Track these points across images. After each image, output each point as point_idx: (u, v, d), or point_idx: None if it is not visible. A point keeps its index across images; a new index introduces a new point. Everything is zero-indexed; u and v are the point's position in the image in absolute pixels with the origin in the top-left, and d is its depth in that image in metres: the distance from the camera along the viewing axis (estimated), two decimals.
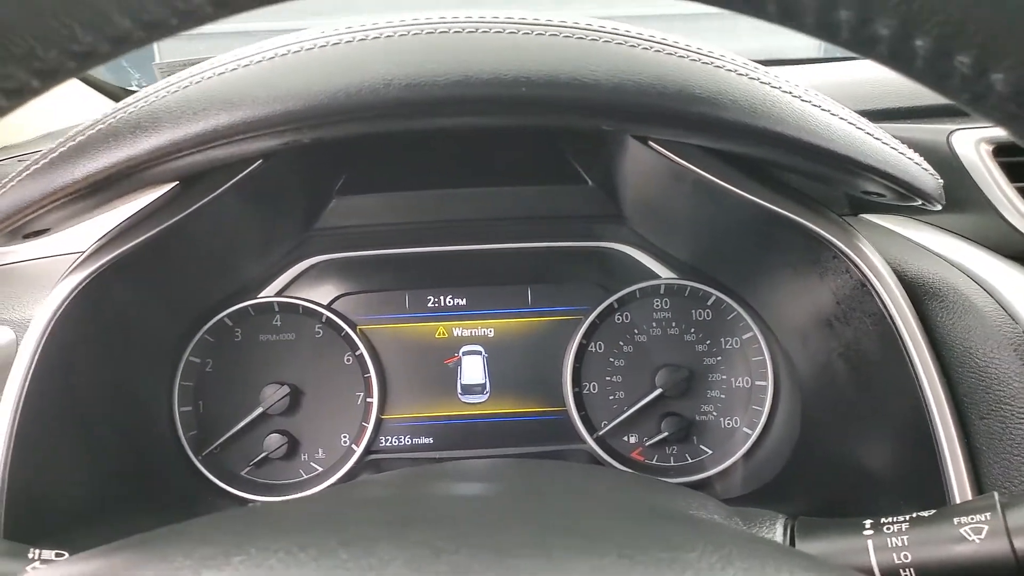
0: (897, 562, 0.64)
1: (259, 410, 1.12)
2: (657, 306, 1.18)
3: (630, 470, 1.15)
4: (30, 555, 0.66)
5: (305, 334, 1.16)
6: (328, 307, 1.16)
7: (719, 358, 1.17)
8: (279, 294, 1.17)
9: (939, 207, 0.80)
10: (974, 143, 0.94)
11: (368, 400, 1.16)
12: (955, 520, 0.64)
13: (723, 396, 1.17)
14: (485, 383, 1.18)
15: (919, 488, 0.83)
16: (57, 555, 0.67)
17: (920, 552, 0.64)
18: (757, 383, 1.16)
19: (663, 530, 0.46)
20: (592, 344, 1.17)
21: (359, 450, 1.15)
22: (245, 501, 1.13)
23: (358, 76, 0.64)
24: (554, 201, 1.17)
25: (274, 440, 1.13)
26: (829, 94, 0.77)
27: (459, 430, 1.17)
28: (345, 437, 1.16)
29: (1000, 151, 0.93)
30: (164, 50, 1.75)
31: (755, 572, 0.41)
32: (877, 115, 1.05)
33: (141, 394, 1.08)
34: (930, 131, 0.99)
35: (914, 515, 0.66)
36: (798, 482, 1.04)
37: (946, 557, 0.63)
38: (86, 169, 0.68)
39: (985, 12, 0.33)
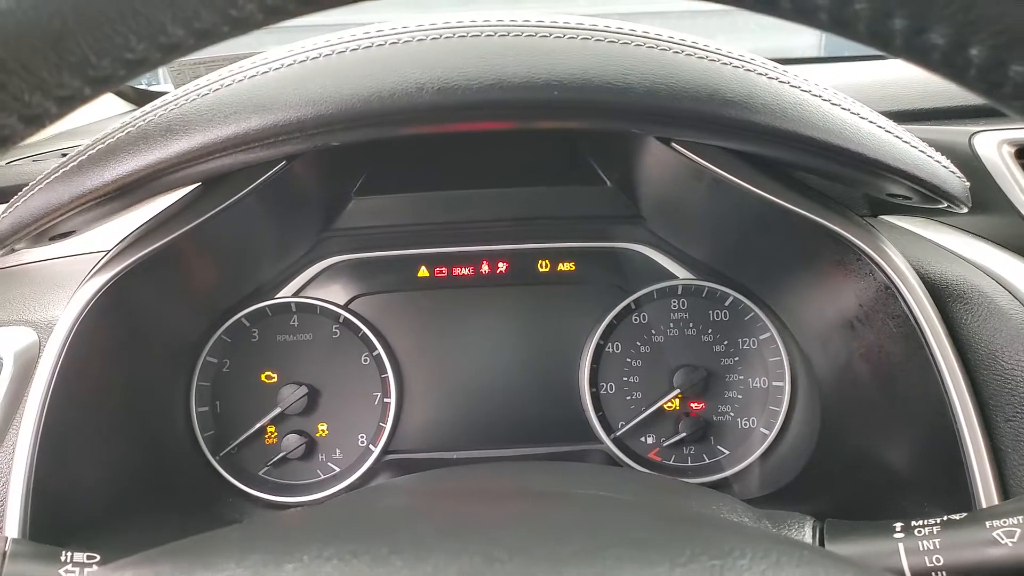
0: (929, 565, 0.64)
1: (277, 410, 1.12)
2: (674, 306, 1.18)
3: (648, 470, 1.15)
4: (62, 558, 0.66)
5: (322, 334, 1.16)
6: (345, 307, 1.16)
7: (736, 358, 1.17)
8: (296, 294, 1.17)
9: (965, 209, 0.80)
10: (996, 144, 0.94)
11: (386, 400, 1.16)
12: (987, 523, 0.64)
13: (740, 396, 1.17)
14: (503, 384, 1.18)
15: (943, 490, 0.83)
16: (89, 557, 0.67)
17: (952, 555, 0.64)
18: (774, 383, 1.16)
19: (708, 536, 0.46)
20: (609, 345, 1.18)
21: (377, 450, 1.15)
22: (263, 501, 1.13)
23: (390, 80, 0.64)
24: (572, 201, 1.17)
25: (292, 440, 1.13)
26: (857, 95, 0.77)
27: (477, 430, 1.17)
28: (363, 437, 1.16)
29: (1022, 153, 0.93)
30: None
31: None
32: (899, 116, 1.05)
33: (159, 394, 1.08)
34: (952, 132, 0.99)
35: (945, 518, 0.66)
36: (818, 483, 1.04)
37: (978, 560, 0.63)
38: (116, 172, 0.68)
39: None
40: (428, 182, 1.15)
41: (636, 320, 1.18)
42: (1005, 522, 0.64)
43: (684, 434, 1.15)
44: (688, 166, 0.83)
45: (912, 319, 0.83)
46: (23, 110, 0.38)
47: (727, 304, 1.17)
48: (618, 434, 1.16)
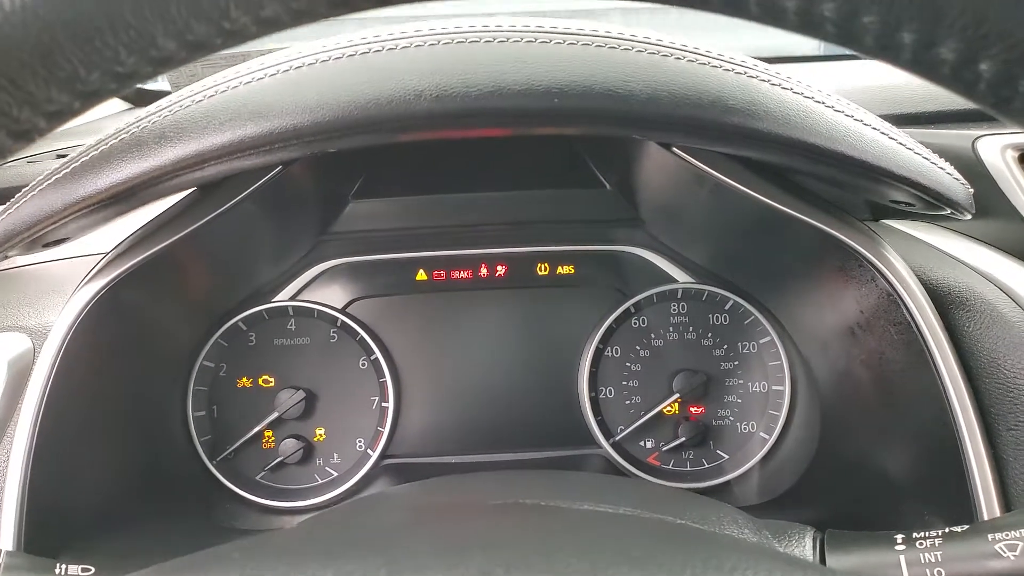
0: None
1: (274, 415, 1.12)
2: (674, 310, 1.17)
3: (647, 475, 1.15)
4: (57, 570, 0.65)
5: (320, 338, 1.16)
6: (343, 311, 1.15)
7: (736, 363, 1.17)
8: (293, 298, 1.16)
9: (969, 216, 0.80)
10: (1000, 149, 0.93)
11: (384, 405, 1.15)
12: (989, 536, 0.63)
13: (740, 401, 1.16)
14: (501, 388, 1.17)
15: (943, 499, 0.82)
16: (83, 570, 0.66)
17: (954, 568, 0.64)
18: (774, 388, 1.15)
19: (708, 554, 0.45)
20: (609, 349, 1.17)
21: (375, 455, 1.14)
22: (260, 506, 1.13)
23: (388, 87, 0.63)
24: (571, 205, 1.16)
25: (289, 445, 1.12)
26: (852, 98, 0.76)
27: (475, 435, 1.17)
28: (361, 442, 1.15)
29: None
30: None
31: None
32: (901, 119, 1.04)
33: (155, 399, 1.07)
34: (955, 136, 0.98)
35: (947, 530, 0.66)
36: (818, 489, 1.04)
37: (980, 573, 0.63)
38: (110, 179, 0.67)
39: None
40: (426, 185, 1.14)
41: (635, 324, 1.17)
42: (1008, 535, 0.63)
43: (683, 438, 1.14)
44: (688, 170, 0.82)
45: (914, 326, 0.82)
46: (12, 125, 0.37)
47: (727, 308, 1.16)
48: (617, 438, 1.16)
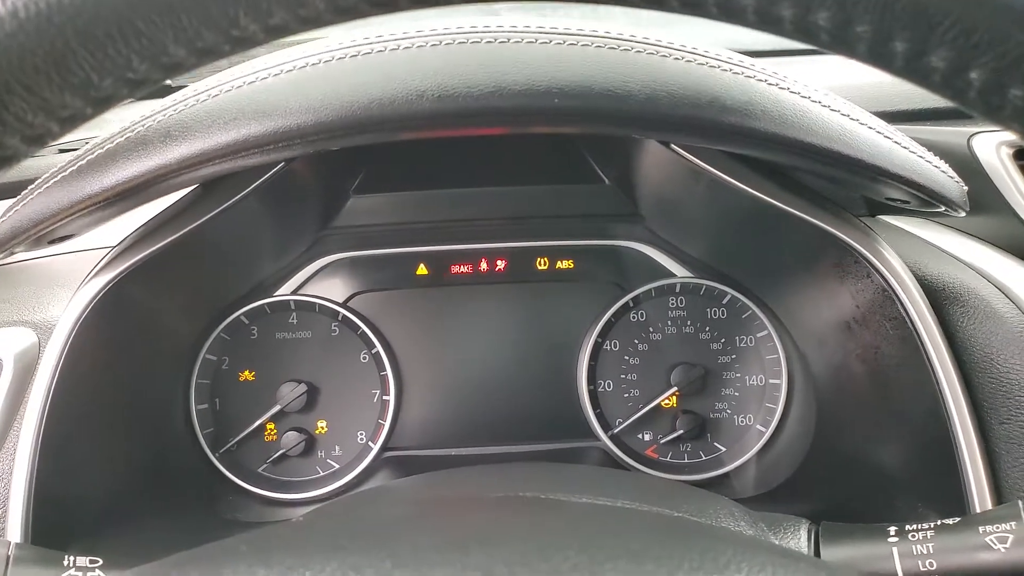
0: (923, 569, 0.65)
1: (276, 408, 1.13)
2: (672, 304, 1.18)
3: (645, 467, 1.16)
4: (65, 562, 0.66)
5: (321, 332, 1.17)
6: (344, 305, 1.17)
7: (733, 356, 1.18)
8: (295, 292, 1.17)
9: (963, 214, 0.81)
10: (995, 146, 0.94)
11: (385, 398, 1.16)
12: (980, 528, 0.65)
13: (737, 394, 1.18)
14: (501, 381, 1.19)
15: (936, 491, 0.84)
16: (91, 562, 0.67)
17: (945, 560, 0.65)
18: (771, 381, 1.17)
19: (705, 547, 0.46)
20: (607, 342, 1.18)
21: (376, 448, 1.15)
22: (262, 498, 1.14)
23: (391, 87, 0.63)
24: (570, 200, 1.17)
25: (292, 438, 1.14)
26: (848, 95, 0.77)
27: (475, 428, 1.18)
28: (362, 435, 1.16)
29: (1021, 154, 0.94)
30: None
31: None
32: (896, 116, 1.06)
33: (159, 393, 1.08)
34: (950, 133, 0.99)
35: (939, 523, 0.67)
36: (813, 481, 1.05)
37: (971, 565, 0.64)
38: (116, 178, 0.68)
39: None
40: (426, 180, 1.15)
41: (634, 318, 1.18)
42: (998, 527, 0.65)
43: (681, 431, 1.16)
44: (687, 166, 0.83)
45: (908, 322, 0.83)
46: (26, 131, 0.38)
47: (725, 302, 1.18)
48: (615, 431, 1.17)
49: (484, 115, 0.65)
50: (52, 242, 0.79)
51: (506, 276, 1.18)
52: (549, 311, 1.19)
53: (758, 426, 1.17)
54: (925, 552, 0.66)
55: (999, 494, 0.79)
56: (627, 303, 1.17)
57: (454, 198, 1.16)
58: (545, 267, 1.19)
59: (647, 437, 1.18)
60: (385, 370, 1.16)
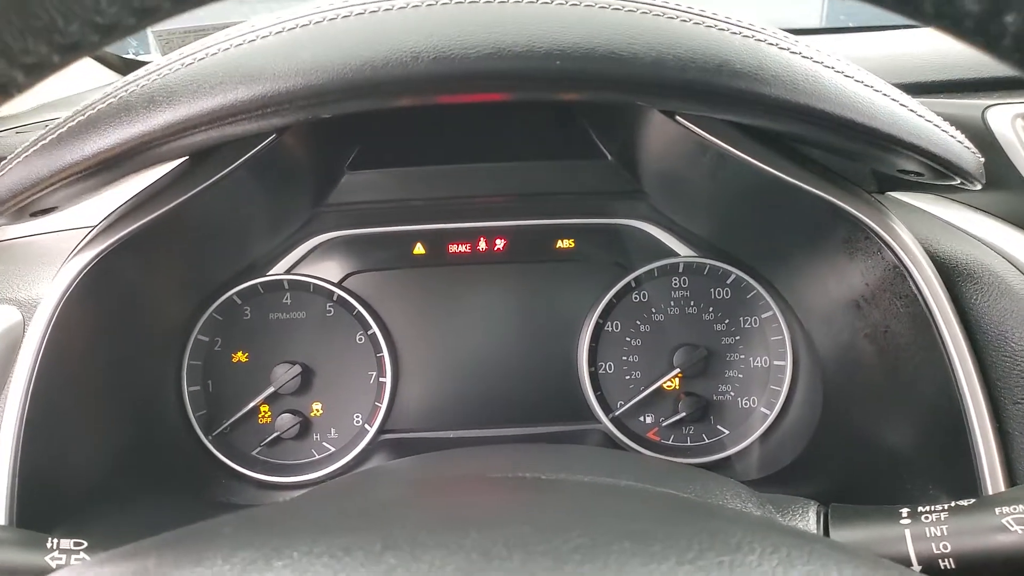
0: (936, 552, 0.63)
1: (270, 390, 1.10)
2: (675, 284, 1.16)
3: (647, 450, 1.14)
4: (48, 544, 0.64)
5: (316, 312, 1.14)
6: (339, 285, 1.14)
7: (737, 337, 1.15)
8: (289, 272, 1.14)
9: (979, 186, 0.78)
10: (1010, 119, 0.91)
11: (381, 380, 1.14)
12: (997, 510, 0.62)
13: (741, 376, 1.15)
14: (500, 363, 1.16)
15: (947, 473, 0.81)
16: (76, 544, 0.65)
17: (960, 542, 0.63)
18: (776, 363, 1.14)
19: (714, 529, 0.44)
20: (609, 323, 1.15)
21: (372, 430, 1.13)
22: (256, 482, 1.12)
23: (384, 48, 0.60)
24: (572, 176, 1.14)
25: (286, 420, 1.11)
26: (864, 67, 0.74)
27: (473, 410, 1.16)
28: (358, 417, 1.14)
29: None
30: None
31: (816, 575, 0.40)
32: (910, 88, 1.02)
33: (149, 374, 1.05)
34: (964, 106, 0.96)
35: (953, 504, 0.65)
36: (820, 464, 1.03)
37: (987, 547, 0.62)
38: (97, 145, 0.65)
39: None
40: (423, 156, 1.12)
41: (636, 298, 1.16)
42: (1015, 508, 0.62)
43: (684, 414, 1.13)
44: (692, 140, 0.80)
45: (920, 299, 0.80)
46: None
47: (729, 282, 1.15)
48: (616, 414, 1.15)
49: (483, 78, 0.62)
50: (35, 214, 0.76)
51: (505, 256, 1.16)
52: (549, 291, 1.17)
53: (762, 408, 1.14)
54: (939, 534, 0.63)
55: (1012, 475, 0.77)
56: (629, 283, 1.15)
57: (452, 175, 1.13)
58: (545, 247, 1.16)
59: (649, 420, 1.16)
60: (381, 351, 1.14)
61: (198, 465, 1.09)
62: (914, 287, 0.81)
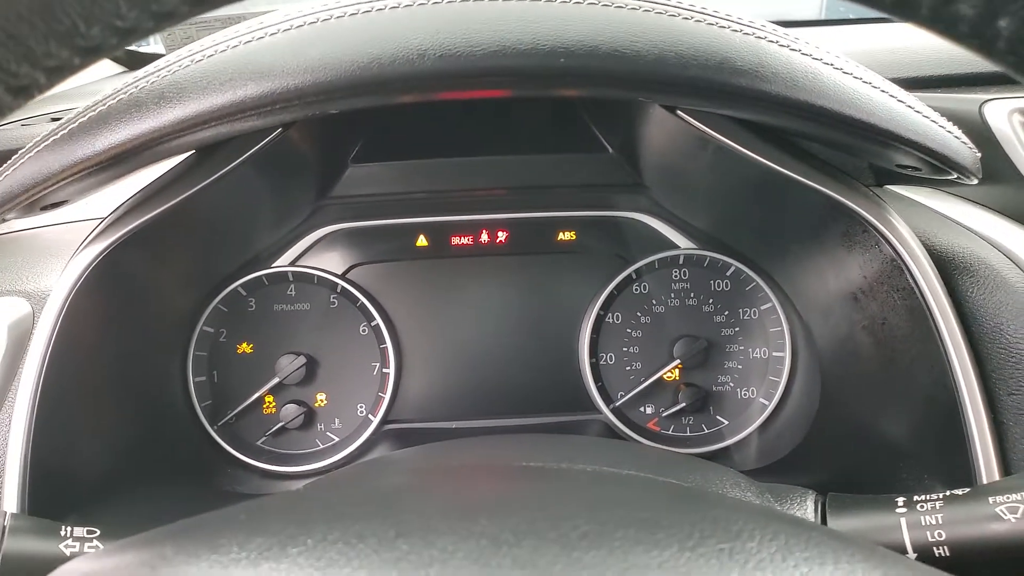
0: (931, 540, 0.64)
1: (275, 380, 1.12)
2: (675, 276, 1.17)
3: (647, 440, 1.15)
4: (62, 532, 0.65)
5: (320, 304, 1.15)
6: (343, 276, 1.15)
7: (737, 329, 1.17)
8: (293, 263, 1.15)
9: (975, 181, 0.79)
10: (1007, 113, 0.92)
11: (385, 371, 1.15)
12: (990, 499, 0.64)
13: (740, 367, 1.17)
14: (502, 354, 1.17)
15: (943, 463, 0.83)
16: (88, 532, 0.66)
17: (955, 530, 0.64)
18: (775, 354, 1.16)
19: (716, 516, 0.45)
20: (610, 315, 1.17)
21: (376, 420, 1.15)
22: (261, 471, 1.13)
23: (391, 46, 0.61)
24: (573, 169, 1.15)
25: (291, 410, 1.12)
26: (862, 62, 0.75)
27: (476, 400, 1.17)
28: (362, 407, 1.15)
29: None
30: None
31: (815, 562, 0.41)
32: (908, 83, 1.03)
33: (156, 365, 1.07)
34: (961, 100, 0.97)
35: (948, 493, 0.66)
36: (818, 454, 1.05)
37: (981, 535, 0.63)
38: (108, 141, 0.66)
39: None
40: (426, 149, 1.13)
41: (637, 290, 1.17)
42: (1008, 498, 0.64)
43: (683, 404, 1.15)
44: (692, 134, 0.81)
45: (917, 292, 0.82)
46: (10, 81, 0.36)
47: (728, 274, 1.16)
48: (617, 404, 1.16)
49: (488, 75, 0.63)
50: (45, 208, 0.77)
51: (507, 248, 1.17)
52: (551, 283, 1.18)
53: (761, 399, 1.16)
54: (934, 523, 0.65)
55: (1007, 466, 0.78)
56: (629, 275, 1.16)
57: (454, 167, 1.14)
58: (547, 239, 1.17)
59: (649, 410, 1.17)
60: (385, 342, 1.15)
61: (204, 455, 1.11)
62: (911, 280, 0.82)
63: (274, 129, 0.79)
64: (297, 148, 0.95)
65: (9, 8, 0.33)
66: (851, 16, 1.60)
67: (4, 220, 0.76)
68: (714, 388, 1.17)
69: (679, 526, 0.43)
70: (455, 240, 1.17)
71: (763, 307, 1.15)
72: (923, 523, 0.65)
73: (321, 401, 1.15)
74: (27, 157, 0.70)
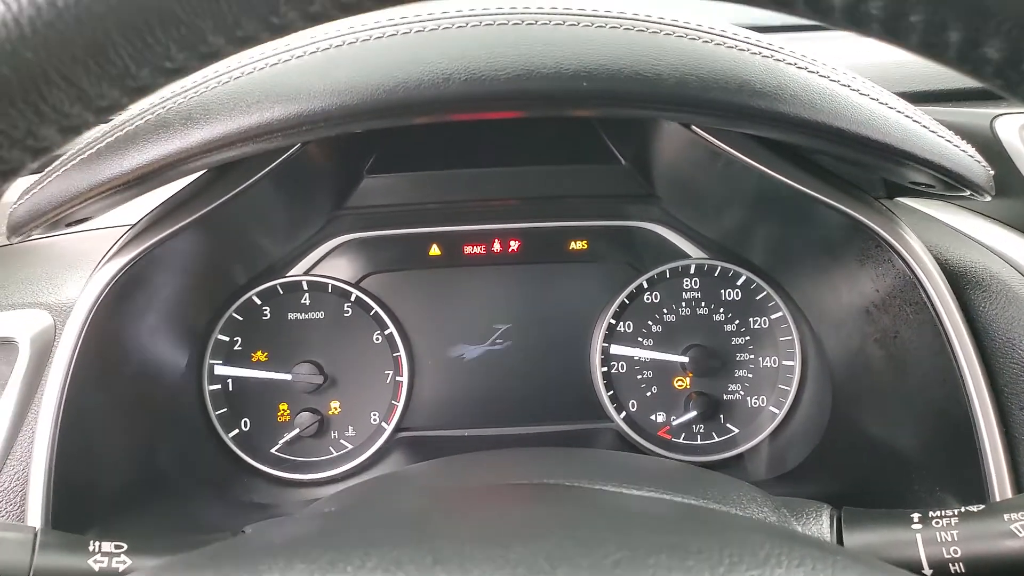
0: (946, 556, 0.65)
1: (290, 388, 1.13)
2: (687, 286, 1.18)
3: (659, 448, 1.16)
4: (91, 547, 0.66)
5: (334, 313, 1.16)
6: (357, 285, 1.16)
7: (747, 338, 1.18)
8: (307, 273, 1.16)
9: (988, 198, 0.80)
10: (1018, 128, 0.93)
11: (398, 379, 1.16)
12: (1005, 516, 0.65)
13: (751, 376, 1.18)
14: (514, 362, 1.18)
15: (955, 476, 0.84)
16: (116, 547, 0.67)
17: (970, 547, 0.65)
18: (785, 363, 1.17)
19: (742, 540, 0.46)
20: (621, 324, 1.18)
21: (389, 428, 1.16)
22: (276, 479, 1.14)
23: (417, 70, 0.62)
24: (586, 180, 1.16)
25: (305, 418, 1.13)
26: (866, 74, 0.76)
27: (488, 409, 1.18)
28: (375, 415, 1.16)
29: None
30: None
31: None
32: (918, 97, 1.04)
33: (173, 375, 1.08)
34: (972, 115, 0.98)
35: (963, 510, 0.67)
36: (829, 464, 1.05)
37: (996, 552, 0.64)
38: (135, 161, 0.67)
39: None
40: (440, 161, 1.13)
41: (648, 299, 1.18)
42: (1023, 515, 0.64)
43: (694, 413, 1.16)
44: (705, 147, 0.82)
45: (930, 307, 0.83)
46: (63, 121, 0.37)
47: (739, 284, 1.17)
48: (629, 413, 1.17)
49: (512, 99, 0.64)
50: (69, 225, 0.78)
51: (520, 257, 1.18)
52: (563, 292, 1.19)
53: (771, 408, 1.17)
54: (949, 539, 0.66)
55: (1019, 480, 0.79)
56: (641, 284, 1.17)
57: (468, 178, 1.15)
58: (559, 248, 1.18)
59: (660, 418, 1.18)
60: (398, 351, 1.16)
61: (220, 463, 1.12)
62: (924, 295, 0.83)
63: (293, 144, 0.80)
64: (314, 161, 0.96)
65: (65, 52, 0.34)
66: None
67: (29, 237, 0.77)
68: (725, 397, 1.18)
69: (708, 551, 0.44)
70: (468, 249, 1.18)
71: (773, 317, 1.16)
72: (939, 539, 0.66)
73: (335, 409, 1.16)
74: (55, 176, 0.71)
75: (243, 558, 0.45)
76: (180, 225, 0.84)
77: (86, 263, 0.89)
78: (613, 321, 1.17)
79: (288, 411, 1.15)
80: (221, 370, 1.13)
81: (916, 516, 0.68)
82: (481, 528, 0.47)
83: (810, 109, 0.68)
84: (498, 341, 1.18)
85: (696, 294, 1.18)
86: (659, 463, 0.83)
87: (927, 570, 0.65)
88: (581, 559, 0.41)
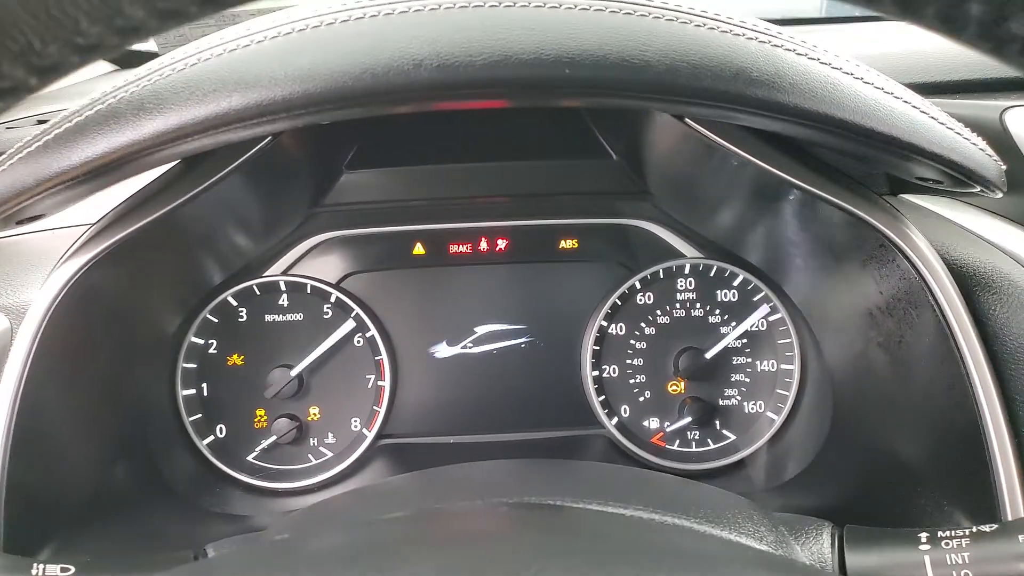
0: None
1: (267, 394, 1.08)
2: (681, 286, 1.13)
3: (652, 456, 1.12)
4: (34, 571, 0.62)
5: (313, 314, 1.11)
6: (336, 286, 1.11)
7: (744, 341, 1.13)
8: (285, 272, 1.11)
9: (1000, 194, 0.75)
10: None
11: (380, 383, 1.12)
12: (1020, 537, 0.60)
13: (748, 380, 1.13)
14: (501, 366, 1.14)
15: (964, 490, 0.79)
16: (63, 569, 0.63)
17: (981, 569, 0.61)
18: (783, 366, 1.12)
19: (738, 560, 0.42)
20: (613, 326, 1.13)
21: (371, 435, 1.11)
22: (252, 487, 1.09)
23: (385, 55, 0.57)
24: (576, 176, 1.11)
25: (283, 424, 1.09)
26: (876, 65, 0.71)
27: (474, 415, 1.13)
28: (356, 421, 1.12)
29: None
30: None
31: None
32: (925, 88, 0.99)
33: (142, 379, 1.03)
34: (981, 107, 0.93)
35: (974, 529, 0.63)
36: (831, 474, 1.01)
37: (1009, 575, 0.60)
38: (84, 154, 0.62)
39: None
40: (424, 155, 1.09)
41: (641, 300, 1.13)
42: None
43: (689, 418, 1.11)
44: (700, 141, 0.77)
45: (938, 310, 0.78)
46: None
47: (736, 284, 1.13)
48: (621, 419, 1.13)
49: (488, 87, 0.59)
50: (21, 222, 0.73)
51: (507, 256, 1.13)
52: (552, 293, 1.14)
53: (769, 414, 1.12)
54: (959, 561, 0.61)
55: None
56: (634, 285, 1.12)
57: (453, 174, 1.10)
58: (548, 247, 1.13)
59: (654, 424, 1.14)
60: (380, 354, 1.11)
61: (193, 472, 1.07)
62: (931, 298, 0.78)
63: (264, 136, 0.75)
64: (289, 155, 0.91)
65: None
66: (852, 14, 1.55)
67: None
68: (721, 402, 1.13)
69: (700, 570, 0.39)
70: (453, 248, 1.13)
71: (771, 319, 1.12)
72: (948, 561, 0.61)
73: (314, 415, 1.11)
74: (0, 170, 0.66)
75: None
76: (142, 223, 0.79)
77: (47, 263, 0.84)
78: (605, 323, 1.13)
79: (265, 417, 1.11)
80: (195, 374, 1.08)
81: (924, 536, 0.64)
82: (472, 563, 0.42)
83: (810, 98, 0.63)
84: (483, 343, 1.13)
85: (691, 295, 1.13)
86: (649, 476, 0.78)
87: None
88: None
